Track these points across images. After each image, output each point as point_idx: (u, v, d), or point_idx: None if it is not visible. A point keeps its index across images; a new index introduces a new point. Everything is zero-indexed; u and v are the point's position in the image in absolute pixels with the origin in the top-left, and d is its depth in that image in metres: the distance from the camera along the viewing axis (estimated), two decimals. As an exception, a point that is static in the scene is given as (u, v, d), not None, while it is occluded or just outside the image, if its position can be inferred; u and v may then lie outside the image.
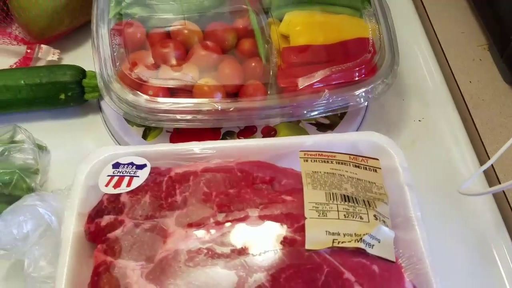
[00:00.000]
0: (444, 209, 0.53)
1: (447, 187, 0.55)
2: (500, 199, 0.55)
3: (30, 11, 0.61)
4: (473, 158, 0.57)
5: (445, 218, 0.52)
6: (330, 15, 0.57)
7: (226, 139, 0.57)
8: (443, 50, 0.67)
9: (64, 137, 0.58)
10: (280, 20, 0.57)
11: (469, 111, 0.61)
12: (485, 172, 0.56)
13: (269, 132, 0.57)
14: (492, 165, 0.56)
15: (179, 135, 0.56)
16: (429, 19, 0.70)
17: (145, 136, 0.57)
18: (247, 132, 0.57)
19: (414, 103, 0.62)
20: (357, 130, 0.58)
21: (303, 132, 0.57)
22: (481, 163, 0.57)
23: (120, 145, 0.58)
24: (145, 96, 0.51)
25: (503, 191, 0.54)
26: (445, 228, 0.52)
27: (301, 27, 0.56)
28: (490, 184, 0.55)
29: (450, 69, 0.65)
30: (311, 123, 0.58)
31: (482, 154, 0.58)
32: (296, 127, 0.58)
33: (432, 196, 0.53)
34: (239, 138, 0.57)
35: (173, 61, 0.54)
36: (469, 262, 0.50)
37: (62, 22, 0.63)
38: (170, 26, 0.56)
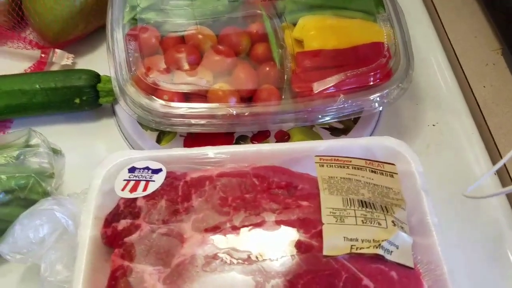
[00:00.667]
0: (459, 213, 0.53)
1: (462, 191, 0.54)
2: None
3: (44, 16, 0.61)
4: (488, 162, 0.57)
5: (460, 222, 0.52)
6: (344, 20, 0.57)
7: (240, 143, 0.57)
8: (456, 55, 0.67)
9: (78, 141, 0.58)
10: (294, 25, 0.57)
11: (483, 116, 0.61)
12: (500, 175, 0.56)
13: (283, 136, 0.57)
14: (506, 167, 0.56)
15: (193, 139, 0.56)
16: (442, 24, 0.70)
17: (159, 140, 0.57)
18: (261, 136, 0.57)
19: (428, 108, 0.61)
20: (371, 135, 0.58)
21: (317, 136, 0.57)
22: (496, 167, 0.57)
23: (134, 149, 0.58)
24: (160, 101, 0.51)
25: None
26: (461, 233, 0.51)
27: (315, 32, 0.56)
28: (503, 184, 0.55)
29: (464, 74, 0.65)
30: (324, 128, 0.58)
31: (496, 158, 0.58)
32: (310, 131, 0.58)
33: (447, 200, 0.53)
34: (252, 143, 0.57)
35: (188, 66, 0.54)
36: (485, 267, 0.50)
37: (77, 27, 0.63)
38: (184, 31, 0.57)
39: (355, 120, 0.58)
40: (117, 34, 0.55)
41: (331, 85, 0.52)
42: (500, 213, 0.53)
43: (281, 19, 0.57)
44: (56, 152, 0.55)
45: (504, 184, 0.56)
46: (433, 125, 0.60)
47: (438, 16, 0.71)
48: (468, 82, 0.64)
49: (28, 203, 0.48)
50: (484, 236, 0.52)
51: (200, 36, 0.56)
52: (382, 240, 0.40)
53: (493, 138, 0.59)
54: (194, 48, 0.56)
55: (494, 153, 0.58)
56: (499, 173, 0.56)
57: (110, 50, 0.54)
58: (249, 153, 0.49)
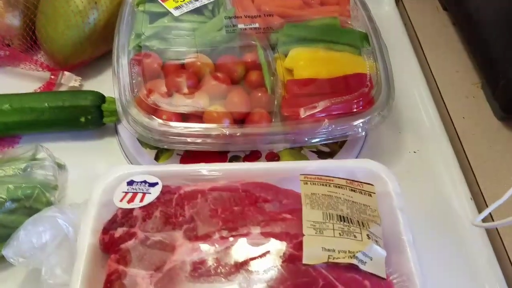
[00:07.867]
0: (436, 235, 0.56)
1: (440, 215, 0.58)
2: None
3: (56, 41, 0.66)
4: (465, 188, 0.60)
5: (437, 243, 0.55)
6: (331, 52, 0.62)
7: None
8: (438, 88, 0.71)
9: (81, 157, 0.62)
10: (286, 56, 0.62)
11: (461, 145, 0.65)
12: (475, 200, 0.60)
13: (273, 158, 0.61)
14: (481, 193, 0.60)
15: (189, 158, 0.60)
16: (426, 59, 0.75)
17: (157, 158, 0.61)
18: (252, 157, 0.61)
19: (410, 136, 0.65)
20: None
21: (305, 159, 0.61)
22: (472, 193, 0.60)
23: (133, 165, 0.62)
24: (159, 120, 0.55)
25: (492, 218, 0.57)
26: (437, 252, 0.54)
27: (304, 62, 0.61)
28: (479, 210, 0.58)
29: (445, 105, 0.69)
30: (312, 151, 0.62)
31: (473, 185, 0.61)
32: (298, 154, 0.61)
33: (426, 223, 0.56)
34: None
35: (186, 90, 0.59)
36: (455, 282, 0.52)
37: (85, 51, 0.68)
38: (185, 58, 0.61)
39: (341, 145, 0.62)
40: (122, 59, 0.60)
41: (317, 110, 0.56)
42: (474, 234, 0.57)
43: (274, 50, 0.62)
44: (60, 166, 0.59)
45: (479, 210, 0.59)
46: (414, 152, 0.64)
47: (423, 52, 0.76)
48: (448, 113, 0.68)
49: (32, 212, 0.51)
50: (458, 254, 0.55)
51: (199, 63, 0.61)
52: (357, 251, 0.43)
53: (470, 166, 0.63)
54: (193, 74, 0.60)
55: (471, 180, 0.62)
56: (475, 198, 0.60)
57: (115, 74, 0.59)
58: (240, 171, 0.53)
